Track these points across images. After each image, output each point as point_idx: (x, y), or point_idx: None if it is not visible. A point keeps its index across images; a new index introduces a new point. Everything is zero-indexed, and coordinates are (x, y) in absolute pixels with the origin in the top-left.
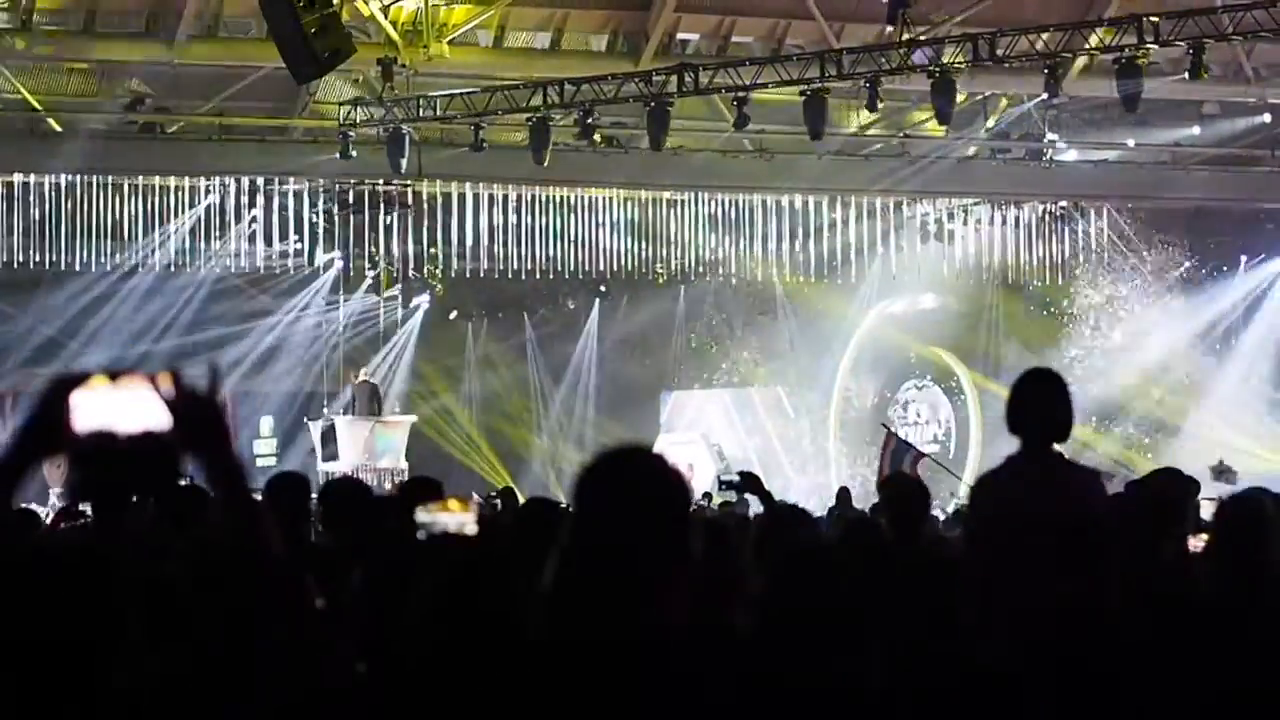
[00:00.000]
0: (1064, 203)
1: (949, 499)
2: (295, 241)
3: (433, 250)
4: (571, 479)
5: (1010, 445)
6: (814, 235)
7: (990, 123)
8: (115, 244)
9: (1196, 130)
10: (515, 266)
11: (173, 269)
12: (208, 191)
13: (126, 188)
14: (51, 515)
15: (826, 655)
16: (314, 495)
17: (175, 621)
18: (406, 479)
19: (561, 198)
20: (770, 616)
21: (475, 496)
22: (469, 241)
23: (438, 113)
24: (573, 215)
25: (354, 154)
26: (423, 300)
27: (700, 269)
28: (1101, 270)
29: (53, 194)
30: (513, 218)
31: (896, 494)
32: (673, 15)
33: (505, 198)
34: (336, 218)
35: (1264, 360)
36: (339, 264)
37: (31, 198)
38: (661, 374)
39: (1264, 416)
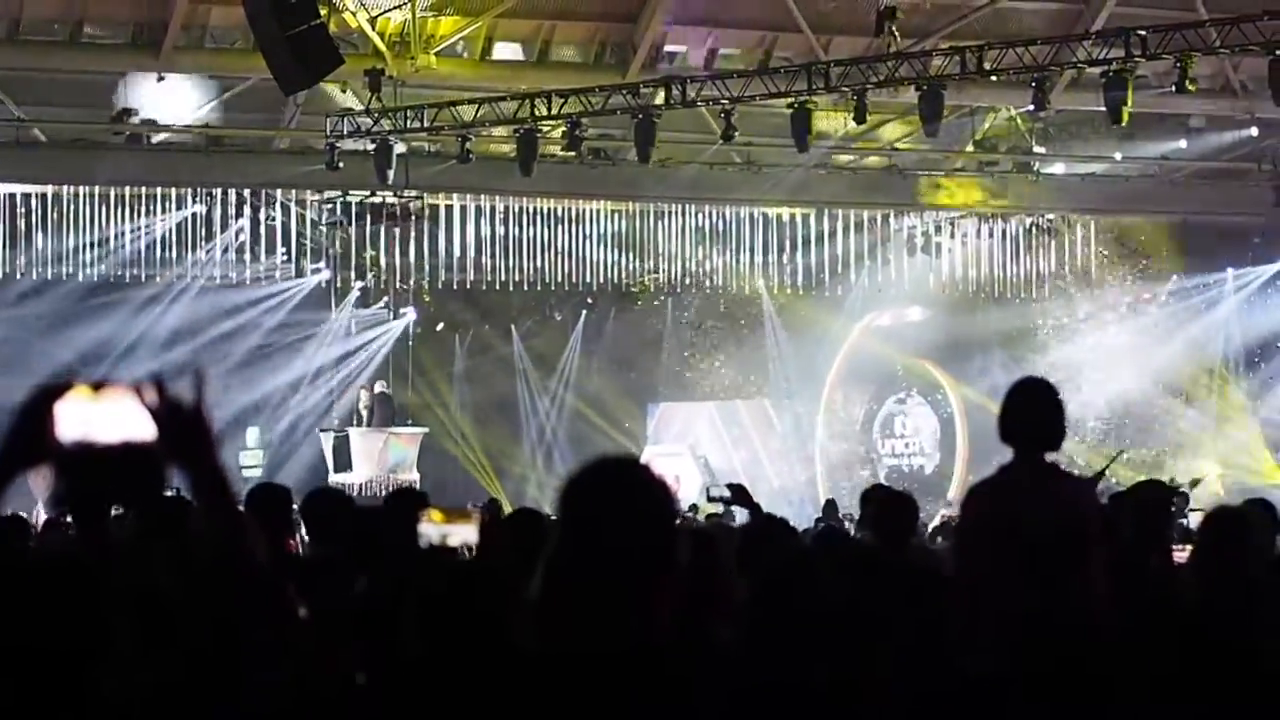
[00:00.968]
0: (1051, 216)
1: (935, 512)
2: (283, 254)
3: (423, 261)
4: (558, 489)
5: (999, 455)
6: (801, 248)
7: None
8: (101, 255)
9: (1183, 144)
10: (503, 278)
11: (158, 279)
12: (195, 202)
13: (113, 198)
14: (38, 525)
15: (809, 664)
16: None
17: (162, 630)
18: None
19: (549, 209)
20: (753, 626)
21: (472, 506)
22: (456, 253)
23: (425, 124)
24: (560, 227)
25: (341, 165)
26: (409, 312)
27: (687, 281)
28: (1088, 283)
29: (38, 204)
30: (500, 229)
31: (883, 505)
32: (660, 28)
33: (492, 209)
34: (324, 230)
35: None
36: (326, 276)
37: (19, 208)
38: (648, 386)
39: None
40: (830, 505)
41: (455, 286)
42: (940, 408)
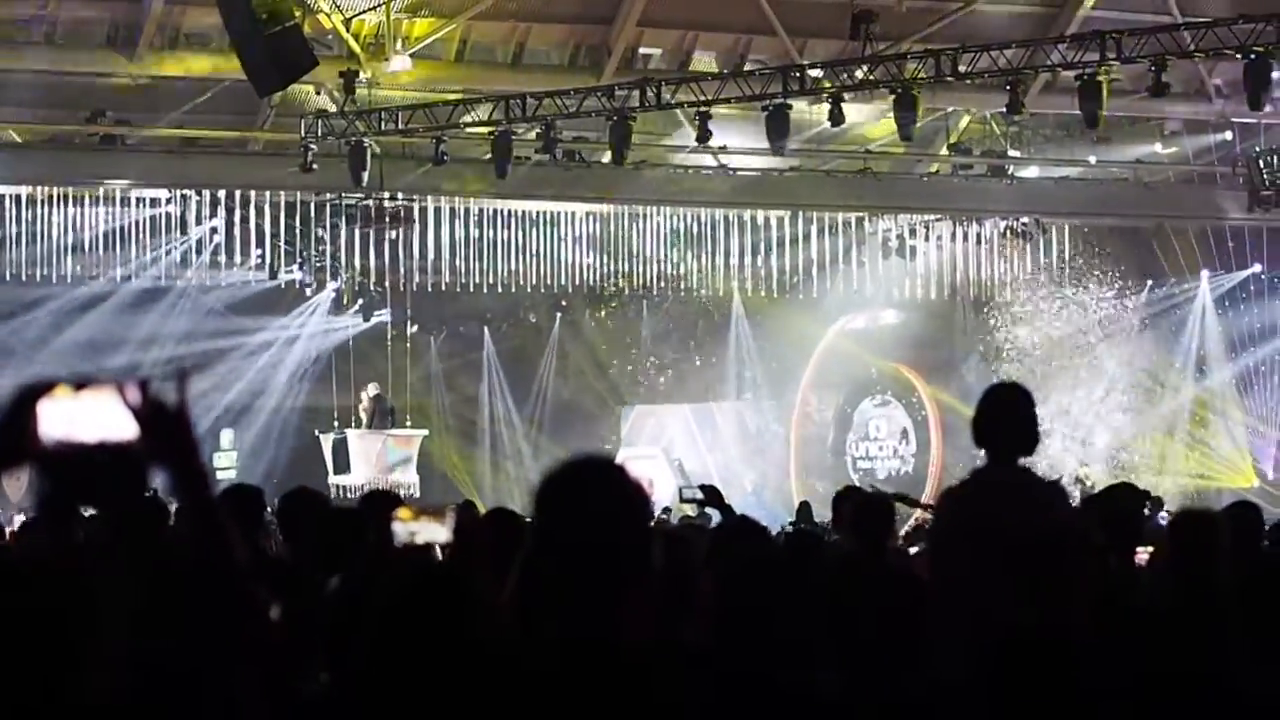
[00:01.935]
0: (1026, 219)
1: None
2: (257, 255)
3: (397, 263)
4: (534, 489)
5: (971, 459)
6: (776, 250)
7: (952, 139)
8: (75, 257)
9: (1158, 148)
10: (476, 280)
11: (132, 280)
12: (168, 203)
13: (87, 199)
14: (11, 529)
15: (777, 666)
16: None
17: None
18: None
19: (523, 211)
20: (721, 628)
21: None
22: (430, 255)
23: (399, 126)
24: (534, 229)
25: (315, 167)
26: (383, 314)
27: (662, 284)
28: (1063, 286)
29: (12, 205)
30: (474, 231)
31: (857, 509)
32: (635, 30)
33: (466, 211)
34: (298, 231)
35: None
36: (300, 277)
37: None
38: (623, 388)
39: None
40: (804, 508)
41: (429, 289)
42: (914, 411)
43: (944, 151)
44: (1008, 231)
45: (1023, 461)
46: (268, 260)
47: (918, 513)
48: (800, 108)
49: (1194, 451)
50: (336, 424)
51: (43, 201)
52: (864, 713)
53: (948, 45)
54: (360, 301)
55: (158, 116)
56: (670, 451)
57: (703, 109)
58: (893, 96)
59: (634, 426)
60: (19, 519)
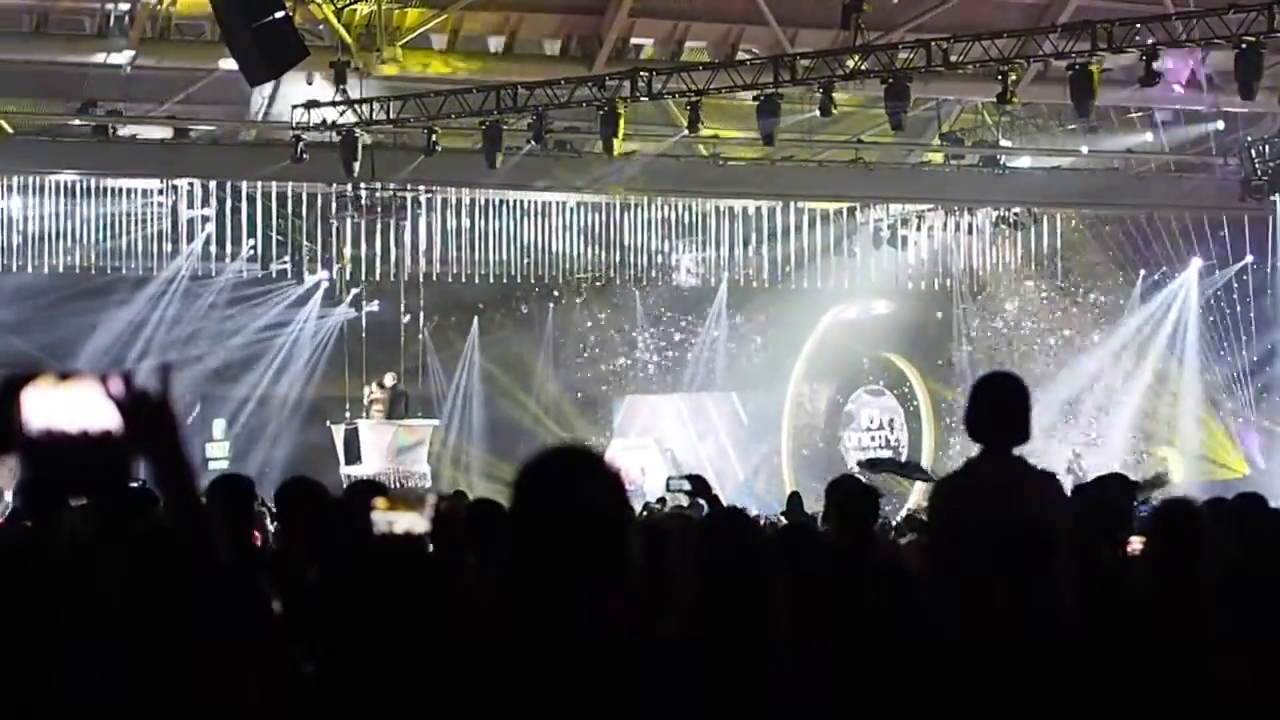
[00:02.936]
0: (1017, 209)
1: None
2: (249, 246)
3: (389, 254)
4: (511, 480)
5: (965, 448)
6: (767, 240)
7: (943, 128)
8: (70, 247)
9: (1149, 137)
10: (469, 270)
11: (124, 271)
12: (160, 194)
13: (79, 190)
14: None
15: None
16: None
17: (114, 623)
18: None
19: (515, 201)
20: (706, 619)
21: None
22: (422, 245)
23: (390, 116)
24: (526, 219)
25: (306, 158)
26: (374, 305)
27: (654, 273)
28: (1053, 275)
29: (4, 195)
30: (465, 221)
31: (845, 498)
32: (626, 20)
33: (458, 201)
34: (290, 222)
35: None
36: (293, 268)
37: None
38: (614, 378)
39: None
40: (794, 498)
41: (421, 279)
42: (906, 400)
43: (935, 141)
44: (1000, 221)
45: (1016, 450)
46: (259, 251)
47: (910, 504)
48: (792, 97)
49: (1186, 439)
50: (348, 413)
51: (34, 191)
52: (851, 707)
53: (939, 35)
54: (352, 292)
55: (149, 107)
56: (662, 442)
57: (694, 99)
58: (884, 86)
59: (626, 417)
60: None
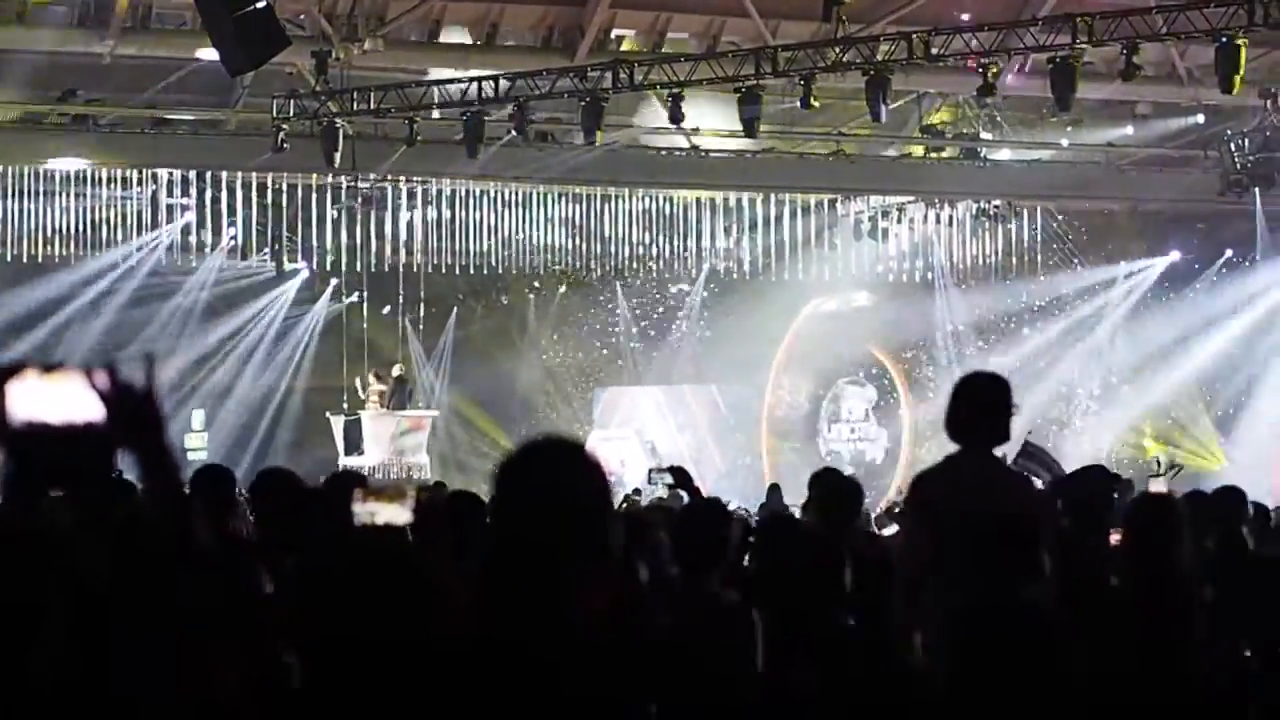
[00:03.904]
0: (998, 202)
1: (880, 497)
2: (230, 235)
3: (369, 244)
4: (493, 471)
5: (944, 440)
6: (747, 232)
7: (924, 121)
8: (48, 235)
9: (1130, 131)
10: (450, 262)
11: (104, 259)
12: (140, 184)
13: (58, 178)
14: None
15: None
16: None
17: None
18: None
19: (495, 192)
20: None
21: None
22: (402, 236)
23: (371, 107)
24: (506, 210)
25: (287, 148)
26: (355, 296)
27: (635, 265)
28: (1034, 268)
29: None
30: (446, 212)
31: (828, 490)
32: (608, 11)
33: (440, 192)
34: (270, 213)
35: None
36: (273, 259)
37: None
38: (595, 370)
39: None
40: (774, 489)
41: (401, 270)
42: (886, 393)
43: (916, 134)
44: (980, 214)
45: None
46: (240, 241)
47: (889, 495)
48: (774, 89)
49: (1171, 432)
50: (346, 405)
51: (12, 179)
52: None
53: (920, 28)
54: (332, 283)
55: (129, 96)
56: (643, 433)
57: (676, 90)
58: (865, 78)
59: (606, 408)
60: None
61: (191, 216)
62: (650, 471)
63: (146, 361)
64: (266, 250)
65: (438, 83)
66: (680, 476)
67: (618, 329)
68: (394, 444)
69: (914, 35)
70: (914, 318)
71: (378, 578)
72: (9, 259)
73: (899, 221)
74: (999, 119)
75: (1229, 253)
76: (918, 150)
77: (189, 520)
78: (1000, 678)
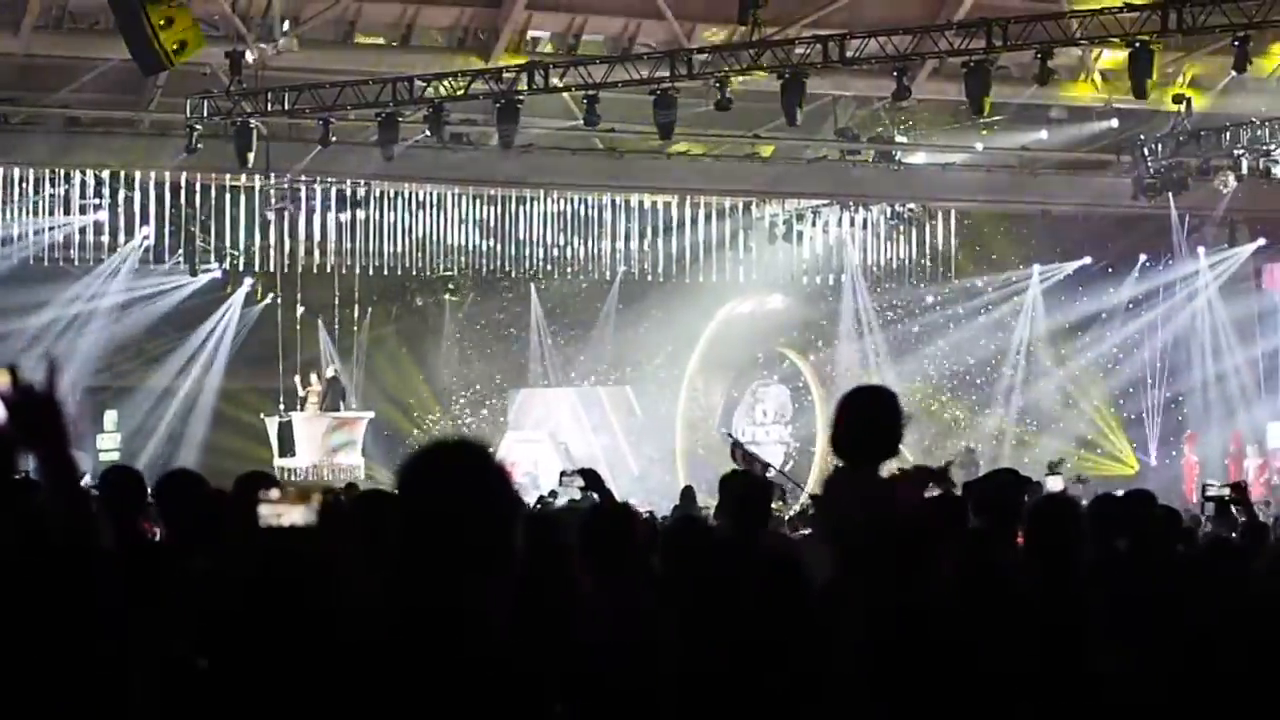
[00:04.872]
0: (913, 205)
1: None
2: (143, 236)
3: (284, 245)
4: (395, 474)
5: None
6: (662, 234)
7: (839, 124)
8: None
9: (1044, 135)
10: (364, 263)
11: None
12: (52, 184)
13: None
14: None
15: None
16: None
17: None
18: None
19: (409, 193)
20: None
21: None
22: (316, 237)
23: (285, 107)
24: (420, 211)
25: (200, 147)
26: (269, 297)
27: (549, 267)
28: (947, 272)
29: None
30: (359, 213)
31: (738, 493)
32: (523, 13)
33: (354, 193)
34: (183, 213)
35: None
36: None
37: None
38: (509, 372)
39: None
40: (688, 492)
41: (315, 270)
42: (800, 395)
43: (831, 137)
44: (894, 216)
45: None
46: (153, 242)
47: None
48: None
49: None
50: (282, 406)
51: None
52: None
53: (836, 31)
54: (247, 283)
55: (42, 95)
56: (557, 435)
57: (590, 93)
58: (780, 81)
59: (521, 409)
60: None
61: (105, 215)
62: (561, 474)
63: (49, 364)
64: (179, 251)
65: (352, 83)
66: (591, 479)
67: (532, 331)
68: (325, 445)
69: (829, 39)
70: (828, 320)
71: (282, 579)
72: None
73: (814, 224)
74: (913, 122)
75: (1143, 257)
76: (833, 153)
77: (89, 521)
78: (914, 676)
